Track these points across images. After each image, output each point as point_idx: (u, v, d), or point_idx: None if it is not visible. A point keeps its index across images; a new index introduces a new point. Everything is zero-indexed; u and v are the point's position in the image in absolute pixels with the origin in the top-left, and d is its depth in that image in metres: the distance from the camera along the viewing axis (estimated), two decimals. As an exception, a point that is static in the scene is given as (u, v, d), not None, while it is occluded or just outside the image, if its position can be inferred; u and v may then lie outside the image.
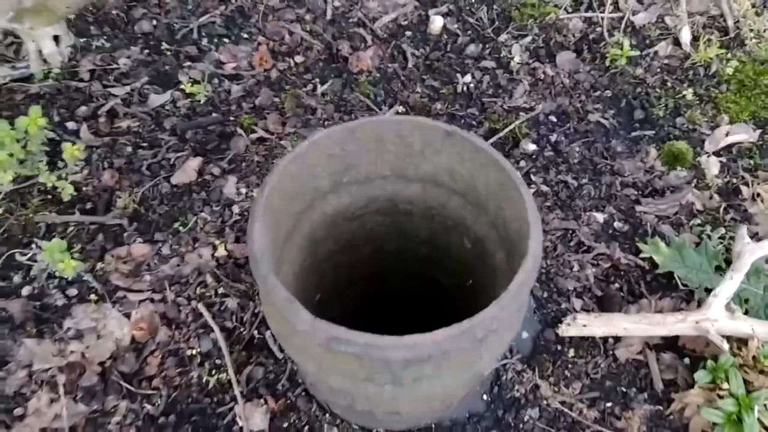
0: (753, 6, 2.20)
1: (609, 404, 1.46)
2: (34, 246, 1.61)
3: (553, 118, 1.93)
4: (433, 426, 1.43)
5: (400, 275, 1.72)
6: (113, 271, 1.59)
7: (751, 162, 1.84)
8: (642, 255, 1.65)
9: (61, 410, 1.41)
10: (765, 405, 1.36)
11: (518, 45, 2.09)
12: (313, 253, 1.48)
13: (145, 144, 1.83)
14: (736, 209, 1.75)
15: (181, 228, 1.68)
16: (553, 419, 1.44)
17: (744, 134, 1.87)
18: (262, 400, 1.44)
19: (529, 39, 2.11)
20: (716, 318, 1.43)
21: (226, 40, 2.09)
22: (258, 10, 2.17)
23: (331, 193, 1.41)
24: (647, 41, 2.10)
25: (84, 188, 1.73)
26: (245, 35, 2.10)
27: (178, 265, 1.62)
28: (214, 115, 1.90)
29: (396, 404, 1.32)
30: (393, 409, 1.34)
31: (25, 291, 1.56)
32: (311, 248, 1.46)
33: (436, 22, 2.14)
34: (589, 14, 2.15)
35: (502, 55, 2.07)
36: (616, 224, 1.73)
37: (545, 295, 1.62)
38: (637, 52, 2.04)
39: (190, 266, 1.62)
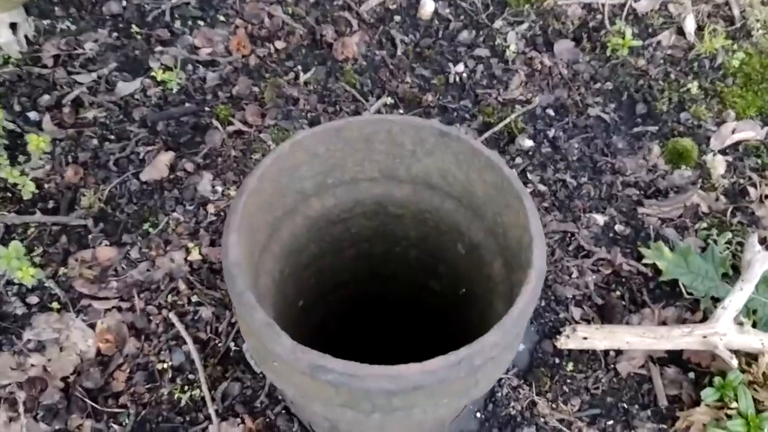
0: (759, -6, 2.09)
1: (610, 422, 1.37)
2: (-11, 249, 1.47)
3: (551, 112, 1.82)
4: (423, 447, 1.34)
5: (387, 279, 1.62)
6: (77, 276, 1.47)
7: (759, 161, 1.75)
8: (644, 261, 1.55)
9: (21, 430, 1.30)
10: (775, 426, 1.28)
11: (514, 32, 1.97)
12: (294, 258, 1.36)
13: (112, 137, 1.69)
14: (744, 212, 1.66)
15: (151, 229, 1.55)
16: (550, 439, 1.35)
17: (751, 131, 1.78)
18: (238, 419, 1.33)
19: (525, 26, 1.99)
20: (725, 332, 1.34)
21: (201, 22, 1.95)
22: (236, -10, 2.03)
23: (315, 196, 1.30)
24: (650, 30, 1.99)
25: (46, 185, 1.60)
26: (221, 17, 1.96)
27: (147, 271, 1.50)
28: (187, 105, 1.77)
29: (383, 430, 1.22)
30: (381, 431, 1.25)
31: (-28, 299, 1.44)
32: (293, 254, 1.35)
33: (427, 6, 2.00)
34: (589, 0, 2.03)
35: (496, 43, 1.95)
36: (618, 227, 1.63)
37: (543, 303, 1.52)
38: (640, 42, 1.93)
39: (161, 271, 1.50)
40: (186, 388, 1.36)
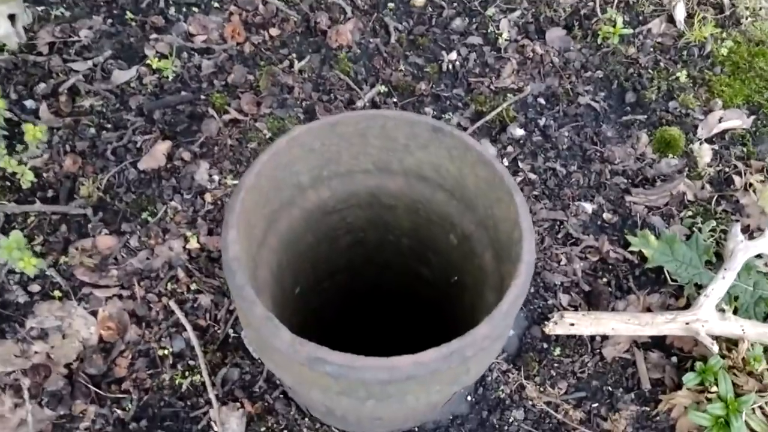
0: (749, -19, 2.11)
1: (595, 405, 1.43)
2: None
3: (542, 101, 1.85)
4: (416, 429, 1.39)
5: (381, 267, 1.66)
6: (78, 265, 1.50)
7: (744, 150, 1.79)
8: (631, 248, 1.60)
9: (27, 416, 1.34)
10: (753, 409, 1.34)
11: (506, 20, 1.99)
12: (292, 248, 1.40)
13: (109, 125, 1.71)
14: (728, 200, 1.70)
15: (149, 218, 1.58)
16: (538, 420, 1.40)
17: (737, 120, 1.81)
18: (238, 404, 1.38)
19: (518, 13, 2.00)
20: (706, 319, 1.39)
21: (196, 9, 1.95)
22: (230, -24, 2.03)
23: (311, 188, 1.33)
24: (641, 18, 2.01)
25: (45, 174, 1.62)
26: (216, 4, 1.96)
27: (147, 259, 1.53)
28: (183, 93, 1.79)
29: (378, 412, 1.27)
30: (375, 416, 1.30)
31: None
32: (290, 244, 1.38)
33: (421, -7, 2.02)
34: (580, -13, 2.05)
35: (489, 31, 1.97)
36: (605, 215, 1.67)
37: (532, 290, 1.56)
38: (630, 30, 1.95)
39: (161, 260, 1.53)
40: (186, 373, 1.41)
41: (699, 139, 1.79)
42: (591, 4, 2.03)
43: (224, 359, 1.43)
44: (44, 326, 1.43)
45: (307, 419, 1.38)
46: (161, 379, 1.40)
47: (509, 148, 1.77)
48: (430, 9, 2.02)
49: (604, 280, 1.58)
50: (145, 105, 1.75)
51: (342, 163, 1.31)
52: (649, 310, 1.52)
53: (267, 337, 1.00)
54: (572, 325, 1.45)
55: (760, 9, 2.06)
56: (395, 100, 1.84)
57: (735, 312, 1.50)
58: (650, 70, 1.91)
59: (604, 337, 1.49)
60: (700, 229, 1.62)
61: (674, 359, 1.47)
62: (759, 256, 1.56)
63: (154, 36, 1.87)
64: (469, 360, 1.03)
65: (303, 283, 1.50)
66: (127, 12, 1.91)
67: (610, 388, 1.45)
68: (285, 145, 1.18)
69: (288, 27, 1.94)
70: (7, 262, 1.46)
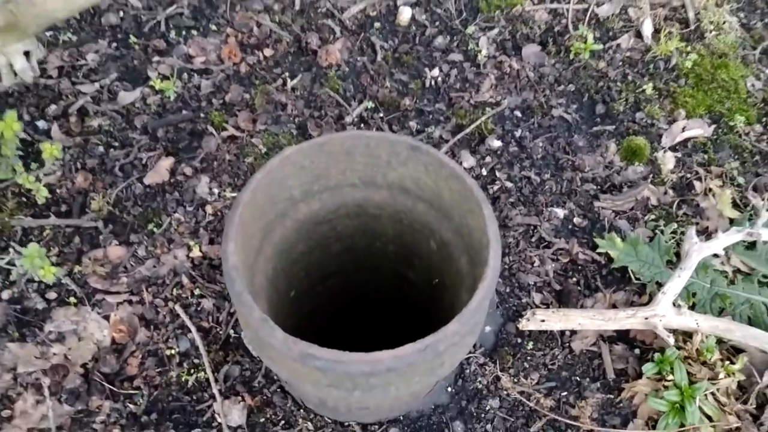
0: (713, -4, 2.25)
1: (564, 393, 1.57)
2: (11, 250, 1.64)
3: (518, 113, 1.99)
4: (401, 417, 1.53)
5: (369, 271, 1.79)
6: (91, 273, 1.64)
7: (705, 157, 1.93)
8: (599, 250, 1.74)
9: (47, 411, 1.48)
10: (706, 395, 1.48)
11: (485, 37, 2.13)
12: (285, 256, 1.54)
13: (116, 143, 1.85)
14: (689, 204, 1.84)
15: (155, 229, 1.72)
16: (512, 408, 1.54)
17: (699, 129, 1.95)
18: (239, 397, 1.52)
19: (496, 31, 2.14)
20: (664, 314, 1.53)
21: (195, 32, 2.09)
22: (226, -1, 2.17)
23: (302, 201, 1.47)
24: (610, 33, 2.15)
25: (58, 190, 1.76)
26: (213, 27, 2.10)
27: (154, 267, 1.67)
28: (184, 112, 1.93)
29: (365, 402, 1.41)
30: (362, 405, 1.44)
31: (5, 295, 1.60)
32: (284, 252, 1.52)
33: (405, 13, 2.16)
34: (554, 5, 2.19)
35: (469, 48, 2.11)
36: (576, 219, 1.81)
37: (507, 290, 1.70)
38: (601, 46, 2.09)
39: (166, 267, 1.67)
40: (192, 371, 1.55)
41: (663, 148, 1.93)
42: (564, 21, 2.17)
43: (226, 357, 1.57)
44: (61, 330, 1.57)
45: (302, 410, 1.52)
46: (169, 377, 1.54)
47: (488, 159, 1.91)
48: (413, 28, 2.16)
49: (574, 279, 1.72)
50: (149, 124, 1.89)
51: (331, 178, 1.45)
52: (614, 306, 1.66)
53: (264, 336, 1.14)
54: (543, 321, 1.59)
55: (724, 23, 2.20)
56: (382, 115, 1.97)
57: (693, 307, 1.64)
58: (619, 83, 2.05)
59: (573, 332, 1.63)
60: (662, 232, 1.76)
61: (637, 351, 1.61)
62: (716, 255, 1.70)
63: (156, 58, 2.01)
64: (442, 354, 1.17)
65: (297, 287, 1.64)
66: (131, 36, 2.04)
67: (578, 378, 1.59)
68: (278, 164, 1.31)
69: (281, 47, 2.08)
70: (27, 272, 1.60)
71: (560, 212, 1.82)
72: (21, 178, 1.71)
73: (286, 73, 2.03)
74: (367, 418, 1.55)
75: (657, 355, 1.53)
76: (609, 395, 1.56)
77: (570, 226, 1.81)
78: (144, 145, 1.85)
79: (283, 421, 1.51)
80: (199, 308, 1.63)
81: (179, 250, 1.69)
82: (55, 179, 1.77)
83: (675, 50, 2.10)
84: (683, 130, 1.95)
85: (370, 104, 1.98)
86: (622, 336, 1.64)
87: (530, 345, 1.62)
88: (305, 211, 1.49)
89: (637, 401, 1.55)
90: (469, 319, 1.17)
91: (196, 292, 1.64)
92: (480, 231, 1.29)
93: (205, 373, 1.54)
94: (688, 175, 1.89)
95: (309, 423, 1.51)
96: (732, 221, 1.79)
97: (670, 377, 1.50)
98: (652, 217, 1.81)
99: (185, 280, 1.66)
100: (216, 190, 1.80)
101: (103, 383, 1.51)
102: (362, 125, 1.95)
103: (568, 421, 1.52)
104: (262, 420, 1.51)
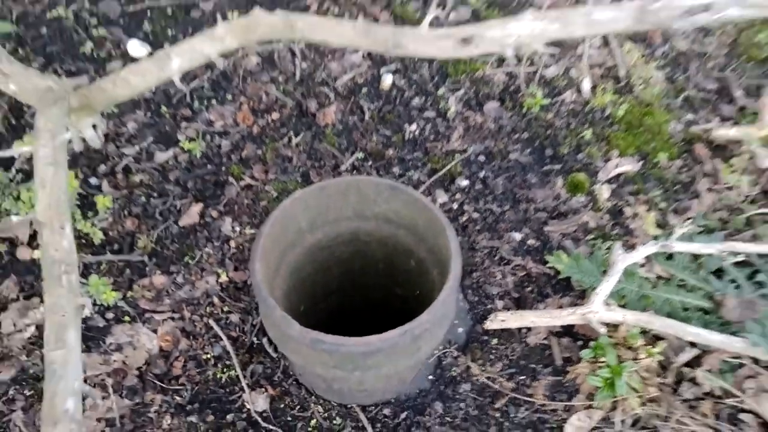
0: (642, 56, 2.74)
1: (522, 377, 1.96)
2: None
3: (482, 158, 2.44)
4: (392, 400, 1.92)
5: (363, 288, 2.20)
6: (140, 297, 2.05)
7: (634, 187, 2.37)
8: (549, 265, 2.15)
9: (112, 404, 1.86)
10: (631, 373, 1.87)
11: (454, 97, 2.59)
12: (296, 276, 1.95)
13: (155, 194, 2.28)
14: (621, 226, 2.27)
15: (190, 261, 2.14)
16: (481, 390, 1.93)
17: (629, 165, 2.40)
18: (263, 389, 1.91)
19: (462, 91, 2.61)
20: (597, 311, 1.94)
21: (214, 101, 2.55)
22: (238, 73, 2.64)
23: (308, 232, 1.89)
24: (556, 90, 2.62)
25: (110, 233, 2.18)
26: (229, 96, 2.57)
27: (190, 290, 2.08)
28: (208, 166, 2.37)
29: (363, 384, 1.80)
30: (361, 387, 1.82)
31: (72, 316, 2.01)
32: (294, 272, 1.94)
33: (387, 80, 2.62)
34: (509, 69, 2.67)
35: (440, 106, 2.57)
36: (530, 241, 2.23)
37: (476, 299, 2.11)
38: (548, 100, 2.56)
39: (200, 290, 2.08)
40: (225, 370, 1.94)
41: (600, 181, 2.37)
42: (518, 81, 2.64)
43: (251, 359, 1.97)
44: (119, 342, 1.97)
45: (313, 397, 1.91)
46: (207, 375, 1.93)
47: (457, 195, 2.34)
48: (394, 92, 2.62)
49: (529, 288, 2.13)
50: (180, 177, 2.32)
51: (330, 214, 1.87)
52: (560, 308, 2.06)
53: (284, 330, 1.54)
54: (503, 321, 1.99)
55: (651, 78, 2.67)
56: (370, 163, 2.42)
57: (624, 306, 2.04)
58: (563, 131, 2.51)
59: (528, 329, 2.03)
60: (599, 248, 2.18)
61: (579, 342, 2.01)
62: (642, 265, 2.12)
63: (184, 124, 2.47)
64: (418, 338, 1.57)
65: (306, 302, 2.05)
66: (162, 106, 2.50)
67: (532, 365, 1.98)
68: (290, 204, 1.74)
69: (285, 111, 2.54)
70: (92, 299, 2.01)
71: (517, 236, 2.24)
72: (80, 224, 2.13)
73: (291, 132, 2.48)
74: (365, 400, 1.93)
75: (593, 343, 1.93)
76: (557, 377, 1.95)
77: (525, 247, 2.23)
78: (177, 195, 2.29)
79: (298, 406, 1.89)
80: (228, 321, 2.03)
81: (210, 276, 2.11)
82: (108, 224, 2.20)
83: (609, 102, 2.56)
84: (616, 166, 2.39)
85: (360, 155, 2.43)
86: (568, 331, 2.04)
87: (494, 341, 2.02)
88: (311, 240, 1.92)
89: (579, 381, 1.93)
90: (437, 311, 1.58)
91: (225, 309, 2.05)
92: (446, 248, 1.71)
93: (235, 371, 1.93)
94: (620, 203, 2.33)
95: (319, 407, 1.89)
96: (655, 237, 2.21)
97: (603, 359, 1.89)
98: (591, 236, 2.23)
99: (216, 300, 2.06)
100: (237, 229, 2.22)
101: (155, 381, 1.90)
102: (354, 172, 2.39)
103: (525, 398, 1.91)
104: (282, 406, 1.89)
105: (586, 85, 2.62)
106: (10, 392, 1.87)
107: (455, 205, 2.32)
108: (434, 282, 1.88)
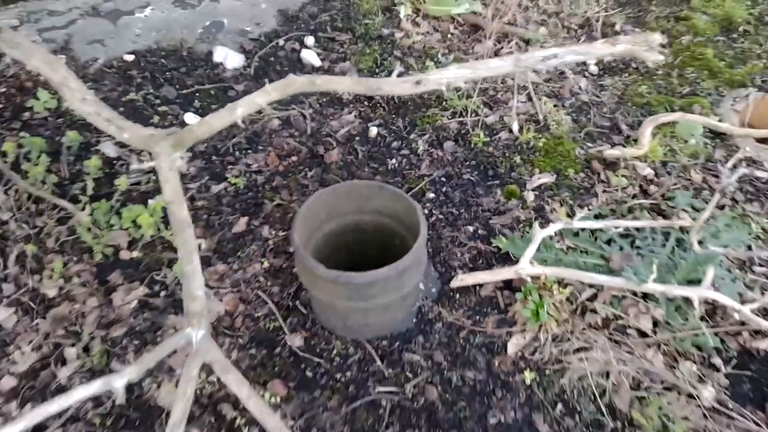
0: (555, 106, 3.78)
1: (477, 317, 2.83)
2: (163, 270, 2.94)
3: (443, 179, 3.40)
4: (388, 335, 2.78)
5: (363, 262, 3.09)
6: (209, 278, 2.93)
7: (552, 192, 3.33)
8: (494, 245, 3.08)
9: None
10: (549, 306, 2.76)
11: (422, 140, 3.59)
12: (316, 255, 2.85)
13: (214, 213, 3.21)
14: (542, 217, 3.21)
15: (241, 254, 3.04)
16: (449, 326, 2.80)
17: (547, 178, 3.37)
18: (298, 333, 2.77)
19: (427, 136, 3.61)
20: (524, 267, 2.84)
21: (250, 151, 3.53)
22: (265, 131, 3.63)
23: (326, 222, 2.82)
24: (494, 131, 3.64)
25: (184, 239, 3.08)
26: (260, 147, 3.55)
27: (243, 273, 2.97)
28: (249, 194, 3.31)
29: (367, 318, 2.67)
30: (366, 322, 2.69)
31: (162, 293, 2.88)
32: (315, 252, 2.84)
33: (373, 131, 3.63)
34: (460, 119, 3.69)
35: (413, 147, 3.56)
36: (480, 231, 3.16)
37: (443, 270, 3.02)
38: (489, 138, 3.56)
39: (250, 273, 2.97)
40: (270, 322, 2.80)
41: (527, 190, 3.33)
42: (467, 127, 3.65)
43: (289, 314, 2.83)
44: (197, 307, 2.84)
45: (333, 336, 2.77)
46: (259, 326, 2.79)
47: (427, 204, 3.28)
48: (379, 138, 3.62)
49: (480, 261, 3.04)
50: (230, 201, 3.26)
51: (339, 209, 2.81)
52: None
53: (314, 271, 2.44)
54: (462, 280, 2.89)
55: (561, 120, 3.70)
56: (364, 187, 3.36)
57: (545, 264, 2.95)
58: (501, 158, 3.49)
59: (480, 285, 2.93)
60: (527, 233, 3.11)
61: (517, 294, 2.90)
62: (558, 240, 3.04)
63: (229, 167, 3.43)
64: (402, 273, 2.47)
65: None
66: (213, 156, 3.47)
67: (484, 309, 2.86)
68: (314, 199, 2.68)
69: (302, 155, 3.52)
70: (175, 279, 2.89)
71: (470, 228, 3.17)
72: (166, 234, 3.05)
73: (306, 169, 3.45)
74: (369, 334, 2.79)
75: (523, 288, 2.82)
76: (501, 315, 2.83)
77: (476, 235, 3.16)
78: (229, 212, 3.22)
79: (323, 342, 2.75)
80: (270, 292, 2.91)
81: (256, 264, 3.00)
82: (181, 234, 3.10)
83: (532, 137, 3.57)
84: (538, 179, 3.37)
85: (356, 182, 3.38)
86: (507, 285, 2.94)
87: (458, 295, 2.91)
88: (327, 228, 2.84)
89: (516, 317, 2.82)
90: (414, 254, 2.48)
91: (269, 283, 2.94)
92: (417, 223, 2.63)
93: (278, 322, 2.80)
94: (541, 203, 3.28)
95: (338, 341, 2.75)
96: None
97: (530, 298, 2.79)
98: (522, 225, 3.17)
99: (261, 278, 2.95)
100: (273, 233, 3.14)
101: (225, 330, 2.76)
102: (353, 193, 3.34)
103: (479, 329, 2.78)
104: (312, 343, 2.75)
105: (516, 127, 3.63)
106: (124, 341, 2.72)
107: (426, 211, 3.27)
108: (411, 247, 2.79)
